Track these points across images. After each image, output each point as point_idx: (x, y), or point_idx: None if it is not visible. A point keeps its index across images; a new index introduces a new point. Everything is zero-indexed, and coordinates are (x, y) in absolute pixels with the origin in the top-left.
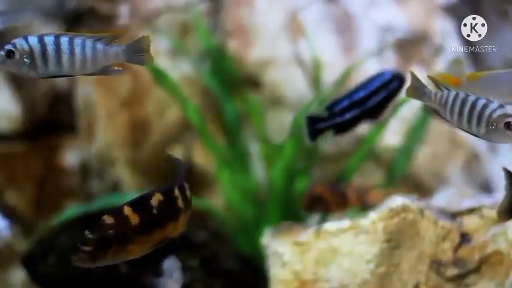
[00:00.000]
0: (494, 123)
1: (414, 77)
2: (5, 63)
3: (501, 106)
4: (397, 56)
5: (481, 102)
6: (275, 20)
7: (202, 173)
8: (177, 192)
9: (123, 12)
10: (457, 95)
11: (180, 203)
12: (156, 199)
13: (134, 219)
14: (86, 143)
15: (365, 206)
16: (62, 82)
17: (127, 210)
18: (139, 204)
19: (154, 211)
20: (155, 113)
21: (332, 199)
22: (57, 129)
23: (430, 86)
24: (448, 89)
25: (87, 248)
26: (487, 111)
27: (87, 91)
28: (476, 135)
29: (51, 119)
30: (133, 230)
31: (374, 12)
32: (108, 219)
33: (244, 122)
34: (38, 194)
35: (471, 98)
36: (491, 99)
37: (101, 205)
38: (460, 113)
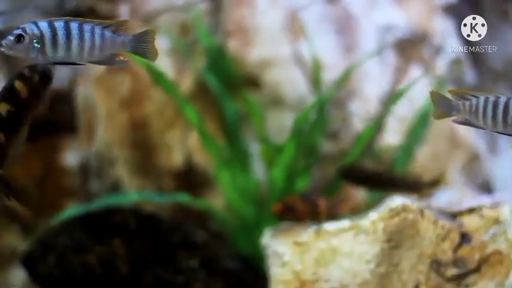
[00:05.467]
0: None
1: (438, 96)
2: (13, 48)
3: None
4: (397, 56)
5: None
6: (275, 20)
7: (202, 173)
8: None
9: (123, 12)
10: (487, 99)
11: None
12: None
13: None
14: (86, 143)
15: (335, 217)
16: (62, 82)
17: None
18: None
19: None
20: (155, 113)
21: (303, 209)
22: (57, 129)
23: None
24: (475, 96)
25: None
26: None
27: (87, 91)
28: None
29: (51, 119)
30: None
31: (374, 13)
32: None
33: (244, 122)
34: (38, 194)
35: (503, 99)
36: None
37: (101, 205)
38: (494, 116)
